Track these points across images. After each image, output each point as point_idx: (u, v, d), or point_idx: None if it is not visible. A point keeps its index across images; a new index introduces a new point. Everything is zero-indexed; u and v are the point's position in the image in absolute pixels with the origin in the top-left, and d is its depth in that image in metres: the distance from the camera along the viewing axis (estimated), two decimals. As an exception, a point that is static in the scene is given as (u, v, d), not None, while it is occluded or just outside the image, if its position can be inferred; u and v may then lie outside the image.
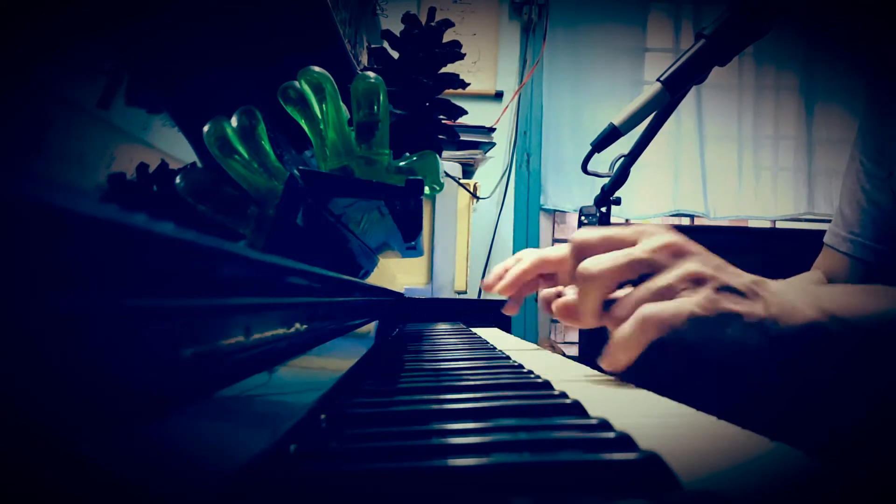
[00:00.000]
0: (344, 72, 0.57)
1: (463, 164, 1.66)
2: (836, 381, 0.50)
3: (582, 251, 0.50)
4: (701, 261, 0.47)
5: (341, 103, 0.46)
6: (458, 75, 0.68)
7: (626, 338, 0.45)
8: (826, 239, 0.93)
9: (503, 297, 0.74)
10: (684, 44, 2.31)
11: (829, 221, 0.94)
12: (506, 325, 1.24)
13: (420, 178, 0.46)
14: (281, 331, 0.28)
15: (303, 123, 0.46)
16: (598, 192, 1.12)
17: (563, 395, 0.35)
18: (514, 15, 2.36)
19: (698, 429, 0.31)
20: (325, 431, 0.28)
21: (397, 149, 0.50)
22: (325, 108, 0.45)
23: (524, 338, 1.15)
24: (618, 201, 1.12)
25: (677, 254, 0.47)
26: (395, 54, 0.67)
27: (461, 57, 0.68)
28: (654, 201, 2.32)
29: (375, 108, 0.46)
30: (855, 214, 0.88)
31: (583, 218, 1.13)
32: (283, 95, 0.45)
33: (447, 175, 1.44)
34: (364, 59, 1.00)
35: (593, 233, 0.50)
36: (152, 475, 0.15)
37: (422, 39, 0.66)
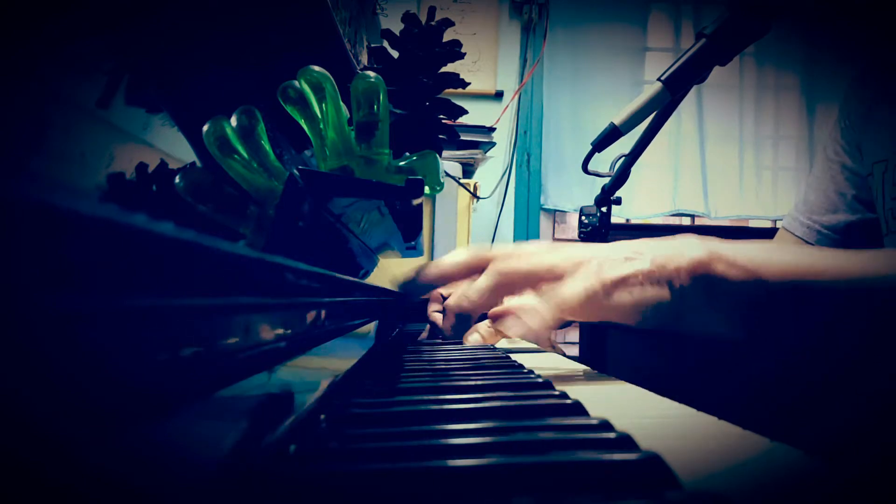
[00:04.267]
0: (344, 71, 0.57)
1: (463, 164, 1.66)
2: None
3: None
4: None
5: (341, 103, 0.46)
6: (458, 75, 0.68)
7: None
8: (784, 223, 0.94)
9: None
10: (685, 43, 2.31)
11: None
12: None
13: (420, 177, 0.46)
14: (280, 331, 0.28)
15: (302, 123, 0.46)
16: (598, 191, 1.12)
17: (564, 395, 0.35)
18: (515, 14, 2.36)
19: (698, 429, 0.31)
20: (324, 432, 0.28)
21: (397, 148, 0.50)
22: (324, 108, 0.45)
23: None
24: (618, 201, 1.12)
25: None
26: (395, 53, 0.67)
27: (461, 56, 0.68)
28: (654, 201, 2.32)
29: (375, 107, 0.46)
30: (819, 201, 0.88)
31: (583, 217, 1.13)
32: (283, 95, 0.45)
33: (447, 175, 1.44)
34: (364, 59, 0.99)
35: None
36: (151, 475, 0.15)
37: (422, 39, 0.66)
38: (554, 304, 0.47)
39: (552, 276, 0.49)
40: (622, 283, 0.47)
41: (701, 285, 0.46)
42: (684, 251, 0.47)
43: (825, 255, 0.47)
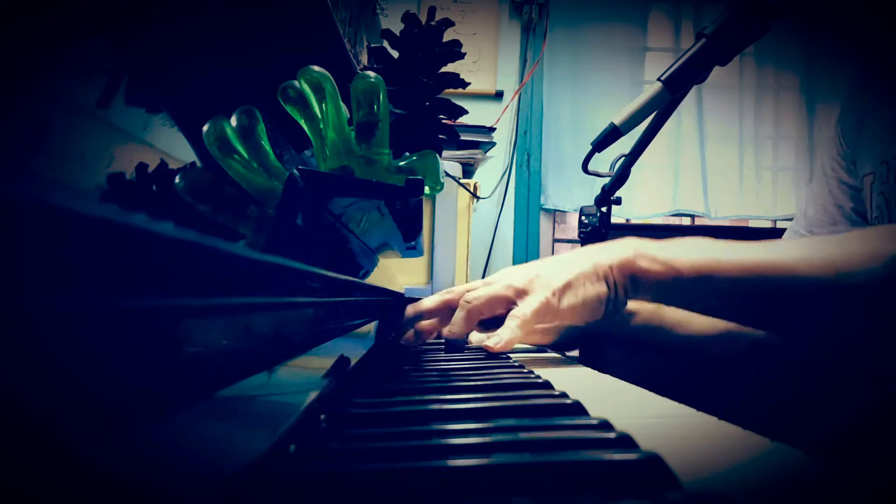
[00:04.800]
0: (344, 71, 0.57)
1: (463, 164, 1.66)
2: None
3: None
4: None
5: (341, 103, 0.46)
6: (458, 75, 0.68)
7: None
8: (785, 237, 0.95)
9: None
10: (685, 43, 2.31)
11: None
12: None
13: (420, 177, 0.46)
14: (281, 330, 0.28)
15: (302, 123, 0.46)
16: (598, 191, 1.12)
17: (564, 395, 0.35)
18: (515, 14, 2.36)
19: (698, 429, 0.31)
20: (324, 431, 0.28)
21: (397, 148, 0.50)
22: (324, 108, 0.45)
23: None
24: (618, 201, 1.11)
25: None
26: (395, 54, 0.67)
27: (461, 56, 0.68)
28: (654, 201, 2.32)
29: (375, 107, 0.46)
30: (818, 215, 0.90)
31: (583, 217, 1.13)
32: (283, 95, 0.45)
33: (447, 175, 1.44)
34: (364, 59, 0.99)
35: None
36: (152, 476, 0.15)
37: (422, 39, 0.66)
38: (522, 321, 0.58)
39: (516, 295, 0.60)
40: (568, 287, 0.57)
41: (628, 278, 0.57)
42: (616, 251, 0.58)
43: (733, 251, 0.57)
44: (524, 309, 0.58)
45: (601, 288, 0.58)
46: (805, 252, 0.54)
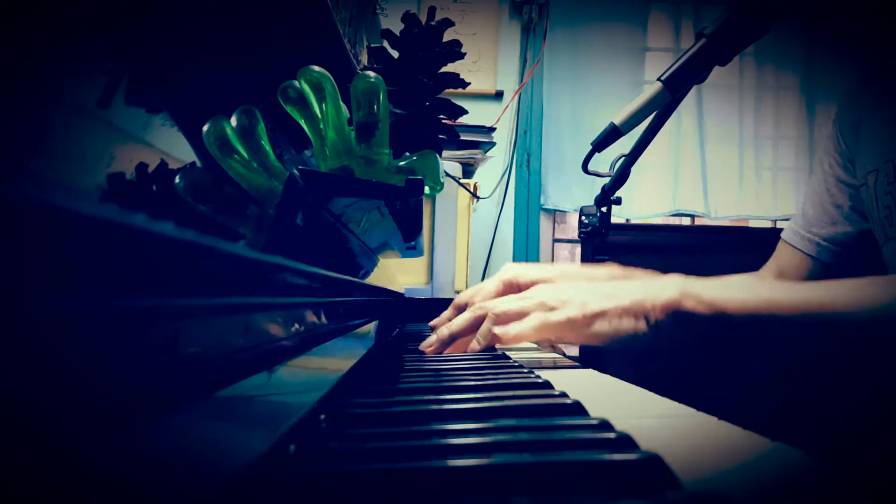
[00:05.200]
0: (344, 71, 0.57)
1: (463, 164, 1.66)
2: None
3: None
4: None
5: (341, 103, 0.46)
6: (458, 75, 0.68)
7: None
8: (784, 235, 0.95)
9: None
10: (685, 43, 2.31)
11: None
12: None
13: (420, 177, 0.46)
14: (280, 331, 0.28)
15: (303, 123, 0.46)
16: (598, 191, 1.12)
17: (564, 394, 0.35)
18: (515, 14, 2.36)
19: (699, 429, 0.31)
20: (325, 432, 0.28)
21: (397, 148, 0.50)
22: (324, 108, 0.45)
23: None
24: (618, 201, 1.12)
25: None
26: (395, 54, 0.67)
27: (461, 56, 0.68)
28: (654, 201, 2.32)
29: (375, 107, 0.46)
30: (817, 215, 0.89)
31: (583, 217, 1.13)
32: (283, 95, 0.45)
33: (447, 175, 1.44)
34: (364, 59, 0.99)
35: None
36: (152, 476, 0.15)
37: (422, 39, 0.66)
38: (540, 324, 0.59)
39: (544, 309, 0.60)
40: (602, 315, 0.57)
41: (672, 319, 0.55)
42: (661, 291, 0.56)
43: (783, 290, 0.55)
44: (548, 317, 0.59)
45: (639, 324, 0.56)
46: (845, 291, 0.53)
